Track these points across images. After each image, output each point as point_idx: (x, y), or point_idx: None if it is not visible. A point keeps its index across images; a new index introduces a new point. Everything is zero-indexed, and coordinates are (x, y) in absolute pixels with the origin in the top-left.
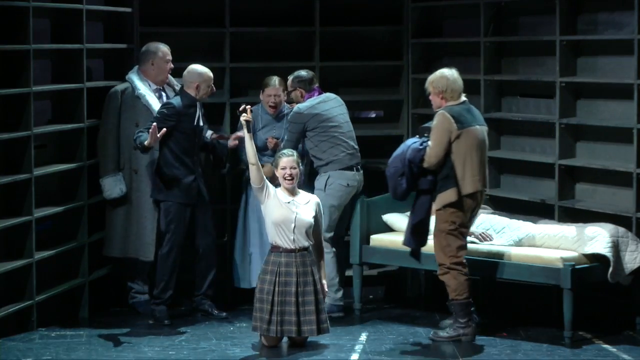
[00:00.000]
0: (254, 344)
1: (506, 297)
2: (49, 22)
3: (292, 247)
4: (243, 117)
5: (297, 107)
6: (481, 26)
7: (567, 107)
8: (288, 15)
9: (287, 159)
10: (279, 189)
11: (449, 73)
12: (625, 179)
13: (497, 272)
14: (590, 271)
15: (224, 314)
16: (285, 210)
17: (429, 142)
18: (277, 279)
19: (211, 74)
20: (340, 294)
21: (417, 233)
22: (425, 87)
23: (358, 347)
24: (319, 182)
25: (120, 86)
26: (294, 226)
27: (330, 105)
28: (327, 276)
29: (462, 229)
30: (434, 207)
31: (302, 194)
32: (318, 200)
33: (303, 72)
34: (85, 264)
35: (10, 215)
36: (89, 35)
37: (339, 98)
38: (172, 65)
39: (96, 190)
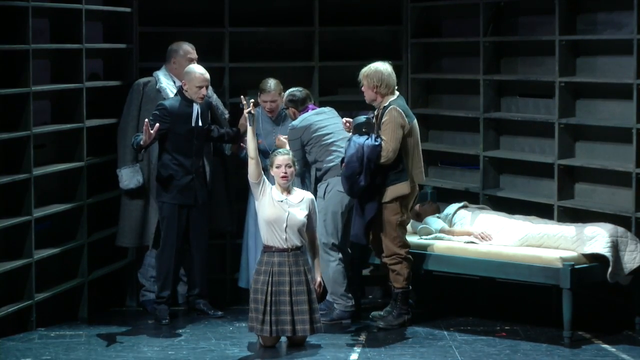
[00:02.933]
0: (253, 343)
1: (505, 297)
2: (48, 22)
3: (285, 246)
4: (246, 110)
5: (290, 124)
6: (480, 26)
7: (566, 107)
8: (287, 15)
9: (283, 157)
10: (274, 187)
11: (384, 68)
12: (624, 178)
13: (496, 272)
14: (590, 271)
15: (220, 312)
16: (277, 209)
17: (383, 138)
18: (271, 278)
19: (200, 76)
20: (351, 301)
21: (367, 228)
22: (359, 79)
23: (357, 347)
24: (320, 190)
25: (143, 79)
26: (286, 225)
27: (323, 116)
28: (335, 282)
29: (407, 220)
30: (384, 200)
31: (297, 192)
32: (312, 197)
33: (297, 92)
34: (85, 264)
35: (9, 215)
36: (89, 35)
37: (333, 110)
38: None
39: (95, 190)
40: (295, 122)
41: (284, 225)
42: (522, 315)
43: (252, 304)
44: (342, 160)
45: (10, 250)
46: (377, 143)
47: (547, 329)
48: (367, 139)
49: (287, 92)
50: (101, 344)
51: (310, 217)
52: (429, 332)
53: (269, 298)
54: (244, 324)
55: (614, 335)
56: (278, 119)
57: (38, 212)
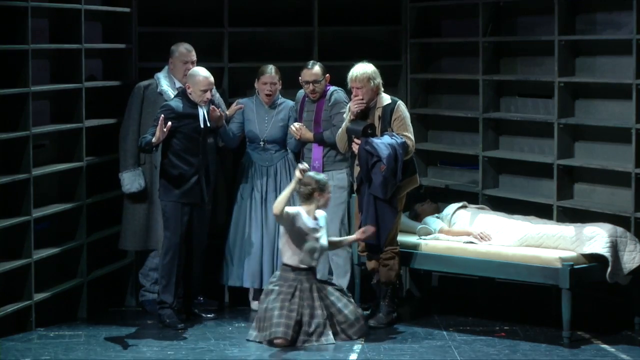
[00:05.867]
0: (252, 344)
1: (505, 297)
2: (47, 22)
3: (302, 266)
4: (298, 170)
5: (337, 89)
6: (480, 26)
7: (565, 107)
8: (287, 15)
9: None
10: (301, 212)
11: (371, 65)
12: (623, 178)
13: (495, 272)
14: (589, 271)
15: (210, 315)
16: (311, 241)
17: (402, 133)
18: (297, 292)
19: (205, 79)
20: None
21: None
22: (360, 85)
23: (357, 347)
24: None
25: (144, 82)
26: (318, 255)
27: None
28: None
29: None
30: (398, 195)
31: (318, 214)
32: (324, 214)
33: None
34: (84, 264)
35: (8, 215)
36: (88, 35)
37: None
38: (190, 67)
39: (95, 190)
40: (340, 90)
41: (317, 254)
42: (522, 316)
43: (278, 310)
44: (373, 164)
45: (9, 251)
46: (403, 140)
47: (547, 329)
48: (392, 137)
49: (314, 62)
50: (100, 344)
51: (327, 233)
52: (428, 332)
53: (298, 307)
54: (243, 324)
55: (613, 335)
56: (273, 104)
57: (37, 212)
